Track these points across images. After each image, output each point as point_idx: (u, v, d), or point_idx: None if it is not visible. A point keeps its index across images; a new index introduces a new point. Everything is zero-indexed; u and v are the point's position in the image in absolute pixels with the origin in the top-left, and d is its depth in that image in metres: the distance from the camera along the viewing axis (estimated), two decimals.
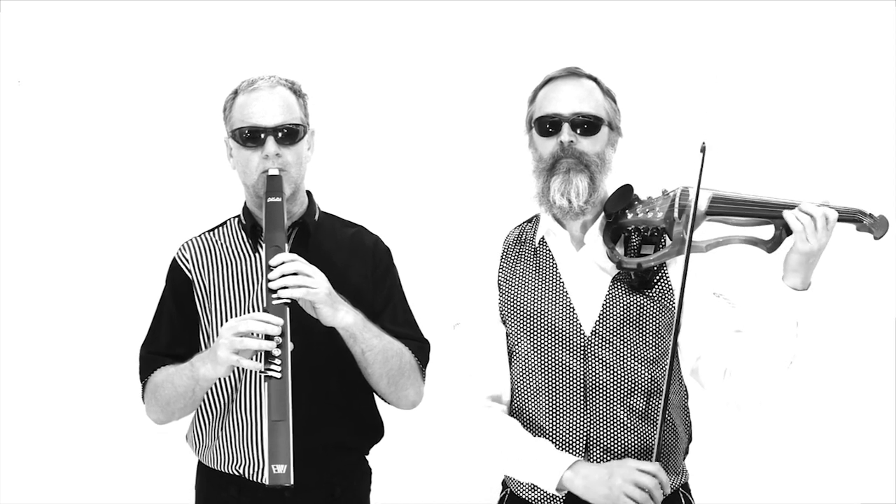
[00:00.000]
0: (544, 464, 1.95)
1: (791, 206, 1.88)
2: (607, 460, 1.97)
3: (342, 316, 2.01)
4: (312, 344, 2.07)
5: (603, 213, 2.04)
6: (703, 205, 1.95)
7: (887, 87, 3.18)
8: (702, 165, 1.90)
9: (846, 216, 1.90)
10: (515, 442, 1.99)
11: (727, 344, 1.98)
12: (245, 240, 2.21)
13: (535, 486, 2.01)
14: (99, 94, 3.26)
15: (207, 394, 2.18)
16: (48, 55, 3.25)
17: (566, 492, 1.96)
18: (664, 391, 1.91)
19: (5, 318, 3.24)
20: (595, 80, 2.06)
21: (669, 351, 2.00)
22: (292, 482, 1.87)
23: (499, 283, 2.07)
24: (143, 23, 3.25)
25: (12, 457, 3.23)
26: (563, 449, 1.99)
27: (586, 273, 2.03)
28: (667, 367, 2.00)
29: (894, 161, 3.18)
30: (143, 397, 2.22)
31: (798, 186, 2.13)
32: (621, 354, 1.99)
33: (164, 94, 3.25)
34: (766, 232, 1.94)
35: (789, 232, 1.88)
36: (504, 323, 2.06)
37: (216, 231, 2.26)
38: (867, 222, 1.92)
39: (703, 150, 1.91)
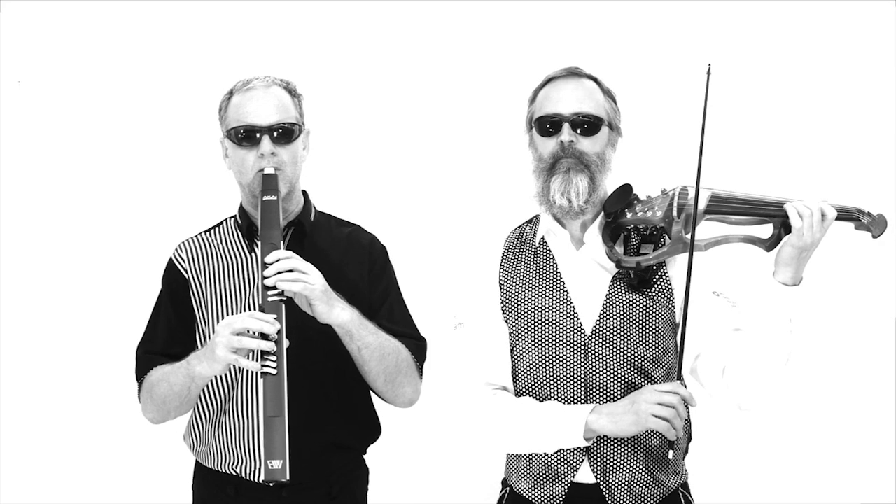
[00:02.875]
0: (565, 419, 1.94)
1: None
2: (607, 458, 1.98)
3: (338, 313, 2.01)
4: (308, 342, 2.06)
5: (602, 213, 2.04)
6: (702, 204, 1.95)
7: (887, 87, 3.18)
8: (707, 88, 1.92)
9: (845, 215, 1.90)
10: (530, 413, 1.98)
11: (726, 342, 1.98)
12: (241, 239, 2.20)
13: (538, 484, 2.01)
14: (98, 95, 3.26)
15: (204, 393, 2.18)
16: (48, 55, 3.25)
17: (595, 437, 1.95)
18: None
19: (4, 318, 3.25)
20: (595, 80, 2.06)
21: (670, 350, 2.03)
22: (288, 477, 1.87)
23: (500, 284, 2.07)
24: (143, 23, 3.25)
25: (11, 457, 3.23)
26: (563, 449, 1.99)
27: (587, 272, 2.03)
28: (665, 366, 2.02)
29: (894, 161, 3.18)
30: (139, 396, 2.22)
31: (797, 186, 2.13)
32: (621, 354, 1.99)
33: (162, 95, 3.26)
34: (765, 231, 1.94)
35: (788, 230, 1.88)
36: (506, 322, 2.06)
37: (212, 231, 2.26)
38: (865, 221, 1.91)
39: (708, 72, 1.92)
